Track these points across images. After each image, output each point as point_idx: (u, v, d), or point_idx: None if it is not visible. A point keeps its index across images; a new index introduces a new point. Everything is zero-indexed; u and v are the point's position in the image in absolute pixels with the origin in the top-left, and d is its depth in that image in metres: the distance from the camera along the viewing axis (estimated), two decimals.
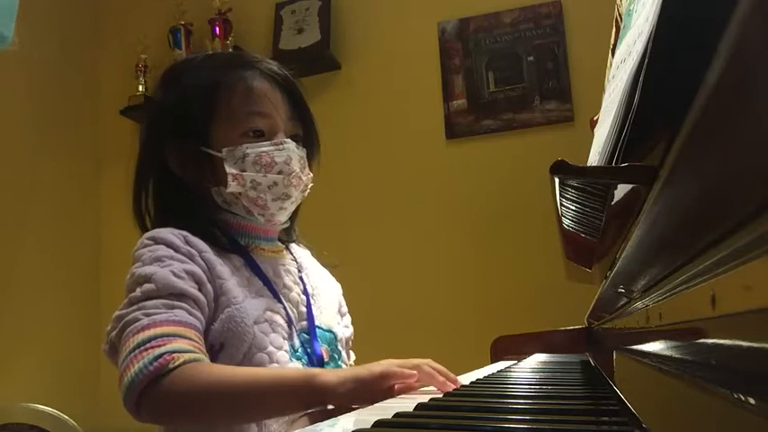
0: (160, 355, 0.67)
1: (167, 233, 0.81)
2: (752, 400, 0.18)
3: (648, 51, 0.36)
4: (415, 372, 0.68)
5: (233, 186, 0.84)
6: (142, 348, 0.68)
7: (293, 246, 0.97)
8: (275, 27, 2.44)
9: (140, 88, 2.52)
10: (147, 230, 0.87)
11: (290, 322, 0.84)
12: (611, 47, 0.86)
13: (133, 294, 0.75)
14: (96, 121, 2.66)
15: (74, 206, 2.54)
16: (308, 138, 0.92)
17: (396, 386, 0.68)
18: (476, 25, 2.24)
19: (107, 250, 2.58)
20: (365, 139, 2.29)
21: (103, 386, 2.43)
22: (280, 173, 0.85)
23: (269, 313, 0.82)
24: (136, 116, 2.51)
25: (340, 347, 0.91)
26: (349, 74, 2.35)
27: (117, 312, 0.75)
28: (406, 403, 0.54)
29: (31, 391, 2.16)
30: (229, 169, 0.84)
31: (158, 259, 0.77)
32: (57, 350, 2.35)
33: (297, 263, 0.94)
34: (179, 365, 0.66)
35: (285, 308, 0.84)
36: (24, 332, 2.25)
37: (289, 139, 0.87)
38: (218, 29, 2.46)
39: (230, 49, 2.41)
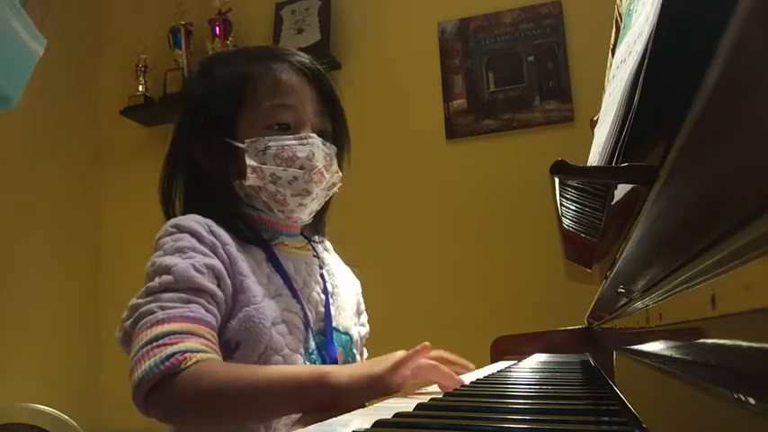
0: (172, 354, 0.66)
1: (191, 221, 0.80)
2: (752, 400, 0.18)
3: (648, 51, 0.36)
4: (408, 373, 0.66)
5: (252, 179, 0.83)
6: (154, 345, 0.67)
7: (316, 239, 0.96)
8: (275, 27, 2.44)
9: (140, 88, 2.52)
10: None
11: (306, 324, 0.83)
12: (611, 47, 0.86)
13: (151, 284, 0.74)
14: (96, 121, 2.66)
15: (74, 206, 2.54)
16: (337, 135, 0.90)
17: (411, 373, 0.67)
18: (476, 25, 2.24)
19: (107, 250, 2.58)
20: (365, 138, 2.28)
21: (103, 386, 2.43)
22: (301, 168, 0.83)
23: (286, 314, 0.81)
24: (136, 116, 2.51)
25: (355, 350, 0.91)
26: (349, 74, 2.35)
27: (133, 300, 0.74)
28: (406, 403, 0.54)
29: (31, 391, 2.16)
30: (249, 161, 0.83)
31: (180, 250, 0.76)
32: (57, 350, 2.35)
33: (319, 259, 0.93)
34: (190, 366, 0.66)
35: (303, 308, 0.83)
36: (24, 332, 2.25)
37: (314, 134, 0.85)
38: (218, 29, 2.46)
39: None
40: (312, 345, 0.83)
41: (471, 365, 0.71)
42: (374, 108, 2.29)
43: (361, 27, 2.37)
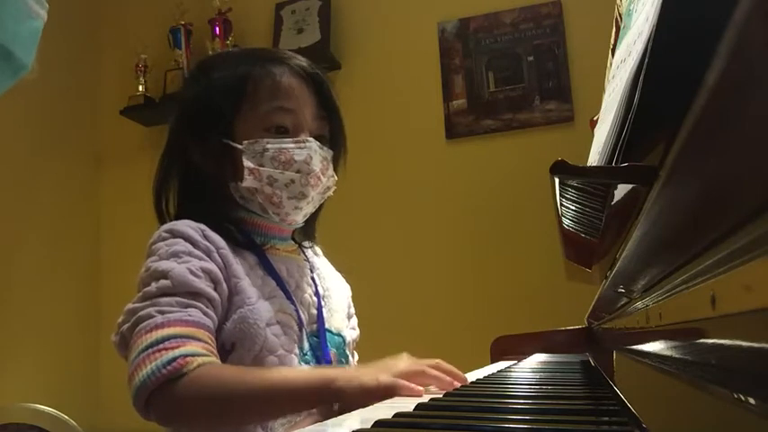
0: (174, 359, 0.66)
1: (185, 226, 0.79)
2: (752, 400, 0.18)
3: (648, 51, 0.36)
4: (421, 389, 0.66)
5: (249, 181, 0.83)
6: (155, 349, 0.67)
7: (306, 245, 0.97)
8: (275, 27, 2.44)
9: (140, 88, 2.52)
10: (165, 222, 0.86)
11: (300, 325, 0.83)
12: (611, 47, 0.86)
13: (148, 289, 0.73)
14: (96, 121, 2.66)
15: (74, 206, 2.54)
16: (334, 139, 0.90)
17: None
18: (476, 25, 2.23)
19: (107, 250, 2.58)
20: (365, 139, 2.28)
21: (103, 386, 2.43)
22: (298, 171, 0.84)
23: (281, 315, 0.81)
24: (136, 116, 2.51)
25: (348, 352, 0.91)
26: (349, 74, 2.35)
27: (130, 305, 0.74)
28: (406, 403, 0.54)
29: (31, 391, 2.16)
30: (247, 163, 0.83)
31: (175, 255, 0.76)
32: (57, 350, 2.35)
33: (309, 263, 0.93)
34: (192, 370, 0.66)
35: (297, 310, 0.84)
36: (24, 332, 2.25)
37: (311, 138, 0.85)
38: (218, 29, 2.46)
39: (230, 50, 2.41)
40: (306, 346, 0.83)
41: (467, 380, 0.71)
42: (374, 108, 2.30)
43: (361, 27, 2.37)
